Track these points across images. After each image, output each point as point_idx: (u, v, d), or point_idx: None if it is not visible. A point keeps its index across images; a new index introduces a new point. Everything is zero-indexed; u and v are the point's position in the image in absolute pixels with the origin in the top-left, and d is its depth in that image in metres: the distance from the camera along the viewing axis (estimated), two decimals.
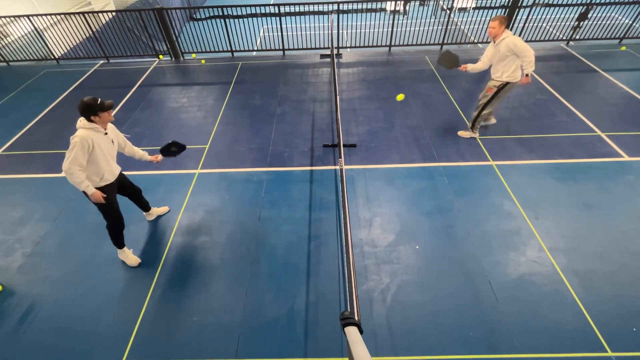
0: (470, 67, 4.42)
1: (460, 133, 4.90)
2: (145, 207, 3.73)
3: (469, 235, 3.52)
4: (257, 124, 5.44)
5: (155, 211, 3.86)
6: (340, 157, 3.59)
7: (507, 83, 4.24)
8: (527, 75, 4.11)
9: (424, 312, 2.90)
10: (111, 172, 3.00)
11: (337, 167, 4.46)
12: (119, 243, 3.30)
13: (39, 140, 5.30)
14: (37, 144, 5.21)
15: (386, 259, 3.33)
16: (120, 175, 3.21)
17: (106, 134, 2.85)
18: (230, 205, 4.00)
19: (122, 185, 3.29)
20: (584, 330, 2.74)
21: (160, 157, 3.33)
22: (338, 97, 4.57)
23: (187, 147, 3.39)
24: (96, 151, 2.75)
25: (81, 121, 2.72)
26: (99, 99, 2.67)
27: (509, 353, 2.62)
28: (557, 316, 2.83)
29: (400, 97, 3.42)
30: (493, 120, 5.02)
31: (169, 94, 6.49)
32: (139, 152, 3.29)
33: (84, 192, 2.84)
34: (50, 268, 3.39)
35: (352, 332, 1.59)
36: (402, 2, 8.23)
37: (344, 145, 4.77)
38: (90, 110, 2.66)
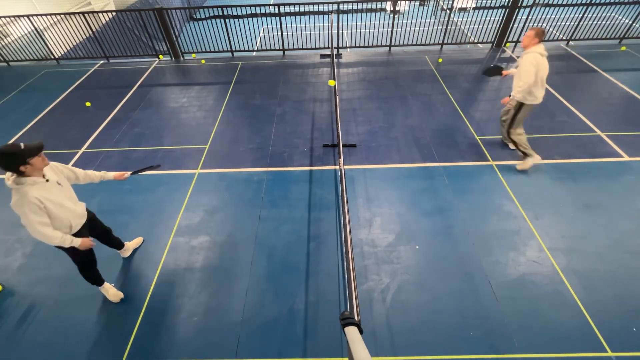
0: (510, 72, 4.22)
1: (519, 167, 4.29)
2: (119, 246, 3.33)
3: (469, 235, 3.52)
4: (257, 124, 5.44)
5: (130, 246, 3.47)
6: (340, 157, 3.60)
7: (522, 105, 3.97)
8: (510, 95, 3.94)
9: (424, 312, 2.90)
10: (77, 215, 2.57)
11: (337, 167, 4.46)
12: (96, 280, 2.95)
13: (38, 140, 5.29)
14: None
15: (386, 259, 3.33)
16: (89, 213, 2.82)
17: (47, 180, 2.29)
18: (230, 205, 4.00)
19: (93, 225, 2.88)
20: (584, 330, 2.74)
21: (127, 174, 2.91)
22: (338, 97, 4.56)
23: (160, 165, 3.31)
24: (49, 207, 2.28)
25: (9, 178, 2.14)
26: (22, 144, 2.10)
27: (509, 353, 2.62)
28: (557, 316, 2.83)
29: (331, 82, 3.54)
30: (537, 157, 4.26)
31: (169, 94, 6.49)
32: (97, 175, 2.78)
33: (66, 250, 2.55)
34: (50, 268, 3.39)
35: (352, 332, 1.59)
36: (400, 1, 8.24)
37: (344, 145, 4.77)
38: (16, 161, 2.06)
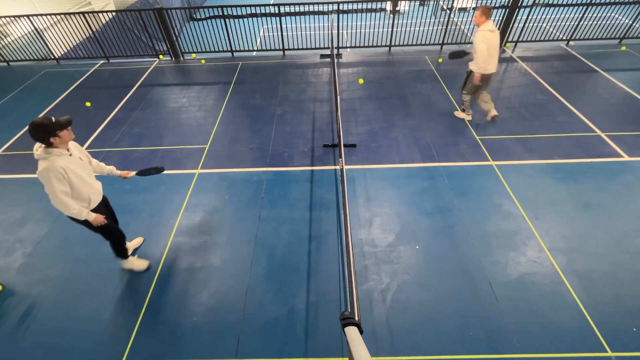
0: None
1: (456, 113, 5.45)
2: None
3: (469, 235, 3.52)
4: (257, 124, 5.44)
5: (130, 246, 3.45)
6: (340, 157, 3.60)
7: (471, 71, 4.80)
8: (476, 73, 4.63)
9: (424, 312, 2.90)
10: (95, 191, 2.76)
11: (337, 167, 4.46)
12: (123, 254, 3.18)
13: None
14: None
15: (386, 259, 3.33)
16: (104, 197, 2.98)
17: (71, 154, 2.51)
18: (230, 205, 4.00)
19: (106, 208, 3.04)
20: (584, 330, 2.74)
21: (132, 173, 3.10)
22: (338, 97, 4.56)
23: (165, 169, 3.31)
24: (71, 178, 2.47)
25: (38, 149, 2.37)
26: (53, 117, 2.33)
27: (509, 353, 2.62)
28: (557, 316, 2.83)
29: (360, 81, 4.24)
30: (493, 113, 5.01)
31: (169, 94, 6.49)
32: (107, 167, 3.01)
33: (84, 223, 2.70)
34: (50, 268, 3.39)
35: (352, 332, 1.59)
36: (400, 1, 8.25)
37: (344, 145, 4.77)
38: (47, 132, 2.29)
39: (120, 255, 3.19)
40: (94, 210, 2.76)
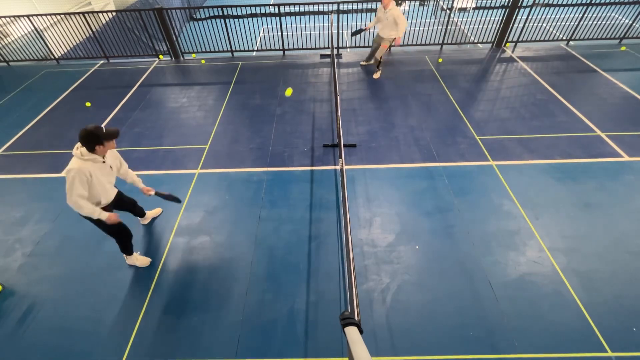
0: (369, 25, 6.36)
1: (375, 76, 6.65)
2: (141, 214, 3.67)
3: (469, 235, 3.52)
4: (257, 124, 5.44)
5: (150, 215, 3.80)
6: (340, 157, 3.60)
7: (395, 39, 6.08)
8: (398, 37, 6.04)
9: (424, 312, 2.90)
10: (107, 197, 2.88)
11: (337, 167, 4.46)
12: (128, 250, 3.26)
13: (39, 140, 5.30)
14: (37, 144, 5.22)
15: (386, 259, 3.33)
16: (117, 194, 3.10)
17: (104, 162, 2.68)
18: (230, 205, 4.00)
19: (120, 202, 3.21)
20: (584, 330, 2.74)
21: (153, 191, 3.23)
22: (338, 97, 4.57)
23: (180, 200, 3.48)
24: (93, 181, 2.61)
25: (78, 149, 2.52)
26: (104, 127, 2.50)
27: (509, 353, 2.62)
28: (557, 316, 2.83)
29: (288, 91, 4.49)
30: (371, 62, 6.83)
31: (169, 94, 6.49)
32: (132, 177, 3.17)
33: (95, 221, 2.83)
34: (50, 268, 3.39)
35: (352, 332, 1.60)
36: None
37: (344, 145, 4.77)
38: (96, 140, 2.45)
39: (125, 252, 3.27)
40: (104, 209, 2.84)
